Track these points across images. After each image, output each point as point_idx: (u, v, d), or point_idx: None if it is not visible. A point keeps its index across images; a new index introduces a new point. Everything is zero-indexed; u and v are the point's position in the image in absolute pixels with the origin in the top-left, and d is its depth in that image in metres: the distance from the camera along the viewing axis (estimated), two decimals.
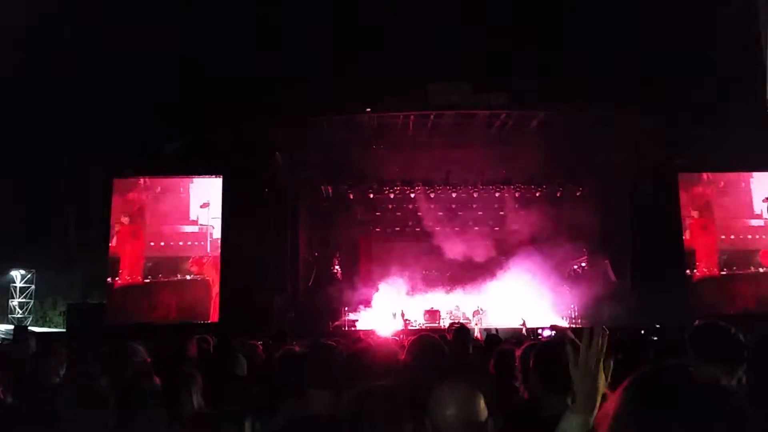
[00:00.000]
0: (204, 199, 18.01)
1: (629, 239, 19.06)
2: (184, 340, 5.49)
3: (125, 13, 17.60)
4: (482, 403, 2.19)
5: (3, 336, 16.82)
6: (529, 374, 2.89)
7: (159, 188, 18.24)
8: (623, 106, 17.92)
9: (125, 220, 17.67)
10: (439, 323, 18.46)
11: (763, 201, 18.83)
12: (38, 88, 18.70)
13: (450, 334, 5.56)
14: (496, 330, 13.34)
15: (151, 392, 3.17)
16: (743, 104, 16.12)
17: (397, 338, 8.70)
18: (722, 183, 18.99)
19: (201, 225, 17.91)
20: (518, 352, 3.37)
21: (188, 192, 18.16)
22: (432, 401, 2.19)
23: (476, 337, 10.56)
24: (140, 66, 18.34)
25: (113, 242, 17.56)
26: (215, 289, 17.29)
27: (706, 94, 17.22)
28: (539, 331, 13.74)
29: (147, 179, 18.18)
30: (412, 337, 3.72)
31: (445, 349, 3.45)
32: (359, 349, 3.44)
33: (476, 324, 17.01)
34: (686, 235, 18.34)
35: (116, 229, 17.61)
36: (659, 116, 18.04)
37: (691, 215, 18.49)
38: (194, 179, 18.25)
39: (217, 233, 17.84)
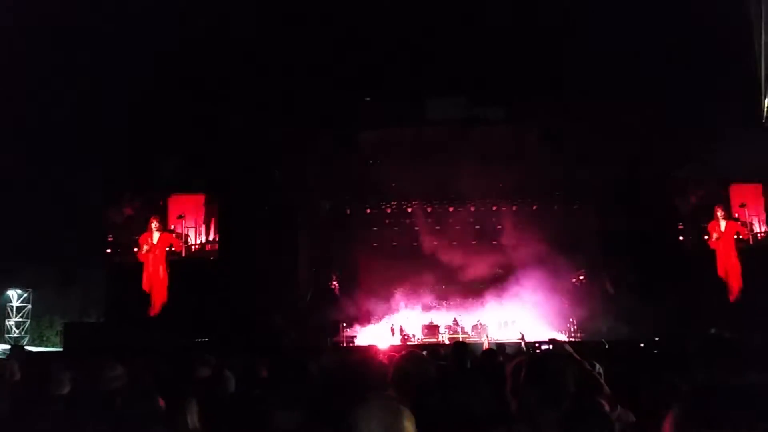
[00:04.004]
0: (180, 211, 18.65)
1: (627, 252, 19.05)
2: (187, 360, 5.51)
3: (122, 31, 17.68)
4: (407, 422, 2.17)
5: (0, 356, 16.70)
6: (520, 388, 2.86)
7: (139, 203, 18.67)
8: (619, 119, 17.99)
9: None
10: (438, 338, 18.43)
11: (740, 206, 19.18)
12: (34, 106, 18.74)
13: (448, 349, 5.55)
14: (504, 345, 13.32)
15: (151, 413, 3.18)
16: (740, 115, 16.22)
17: (394, 353, 8.66)
18: (702, 192, 19.23)
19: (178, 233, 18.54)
20: (509, 367, 3.35)
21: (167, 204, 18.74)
22: (355, 418, 2.17)
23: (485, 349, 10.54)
24: (136, 82, 18.39)
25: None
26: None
27: (703, 105, 17.31)
28: (537, 344, 13.68)
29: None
30: (401, 353, 3.70)
31: (431, 365, 3.42)
32: (344, 367, 3.42)
33: (486, 338, 16.99)
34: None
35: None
36: (656, 128, 18.11)
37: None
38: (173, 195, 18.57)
39: (191, 239, 18.52)
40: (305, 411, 2.73)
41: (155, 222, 18.23)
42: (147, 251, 17.98)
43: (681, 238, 18.82)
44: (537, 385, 2.68)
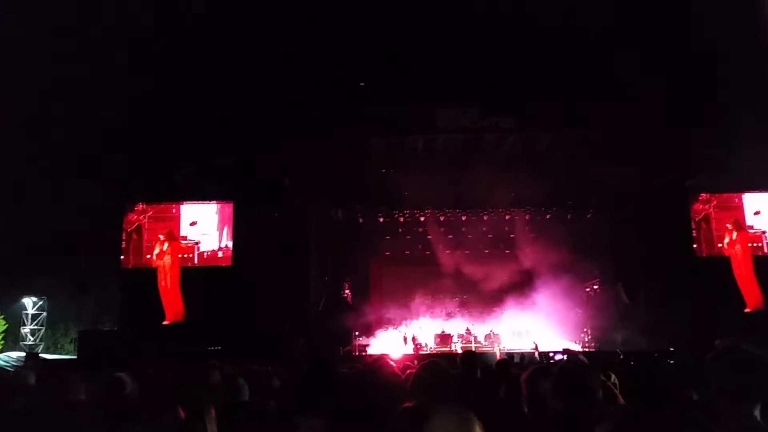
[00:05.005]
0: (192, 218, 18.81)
1: (641, 261, 18.91)
2: (202, 367, 5.52)
3: (136, 42, 17.85)
4: (478, 429, 2.17)
5: (15, 363, 16.85)
6: (546, 395, 2.86)
7: (152, 211, 18.80)
8: (632, 128, 17.91)
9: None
10: (450, 347, 18.36)
11: (755, 214, 19.02)
12: (48, 116, 18.94)
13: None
14: (522, 355, 13.26)
15: (174, 425, 3.21)
16: (755, 123, 16.08)
17: (408, 363, 8.64)
18: (715, 201, 19.09)
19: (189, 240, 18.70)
20: (524, 376, 3.34)
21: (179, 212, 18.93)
22: (428, 427, 2.17)
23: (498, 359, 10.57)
24: (149, 93, 18.54)
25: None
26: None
27: (717, 114, 17.20)
28: (551, 354, 13.61)
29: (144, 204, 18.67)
30: (421, 362, 3.70)
31: (451, 374, 3.41)
32: (360, 375, 3.42)
33: (498, 348, 16.97)
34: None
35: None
36: (669, 137, 18.01)
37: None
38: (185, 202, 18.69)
39: (203, 247, 18.55)
40: (328, 419, 2.74)
41: (166, 231, 18.38)
42: (158, 256, 18.10)
43: (695, 246, 18.66)
44: (568, 394, 2.68)
